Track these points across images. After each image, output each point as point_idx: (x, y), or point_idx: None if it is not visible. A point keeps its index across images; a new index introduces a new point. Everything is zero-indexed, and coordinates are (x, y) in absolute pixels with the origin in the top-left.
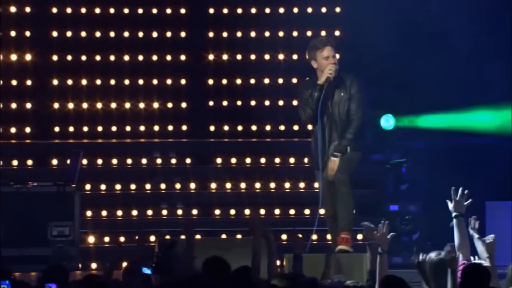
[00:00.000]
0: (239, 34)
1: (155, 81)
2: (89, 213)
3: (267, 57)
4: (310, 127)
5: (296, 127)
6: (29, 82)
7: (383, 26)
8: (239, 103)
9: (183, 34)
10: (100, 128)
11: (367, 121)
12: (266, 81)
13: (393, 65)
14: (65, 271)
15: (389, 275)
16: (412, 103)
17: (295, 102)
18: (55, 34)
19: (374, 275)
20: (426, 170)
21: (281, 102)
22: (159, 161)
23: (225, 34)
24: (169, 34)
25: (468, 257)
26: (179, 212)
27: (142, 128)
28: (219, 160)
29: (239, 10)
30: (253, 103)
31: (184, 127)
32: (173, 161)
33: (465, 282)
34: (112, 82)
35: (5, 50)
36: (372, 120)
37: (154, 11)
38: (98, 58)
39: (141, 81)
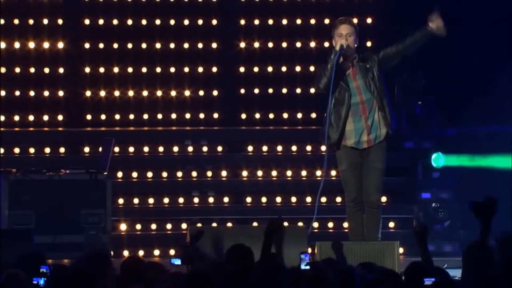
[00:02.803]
0: (270, 21)
1: (186, 69)
2: (121, 201)
3: (298, 44)
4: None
5: None
6: (61, 70)
7: (415, 13)
8: (270, 90)
9: (214, 22)
10: (132, 116)
11: (400, 108)
12: (298, 68)
13: (426, 53)
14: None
15: (414, 262)
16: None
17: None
18: (87, 22)
19: None
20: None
21: (312, 90)
22: (190, 149)
23: (256, 22)
24: (200, 22)
25: None
26: (211, 200)
27: (173, 116)
28: (250, 148)
29: None
30: (284, 90)
31: (216, 115)
32: (205, 149)
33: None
34: (144, 70)
35: (37, 38)
36: (405, 107)
37: None
38: (130, 46)
39: (172, 69)
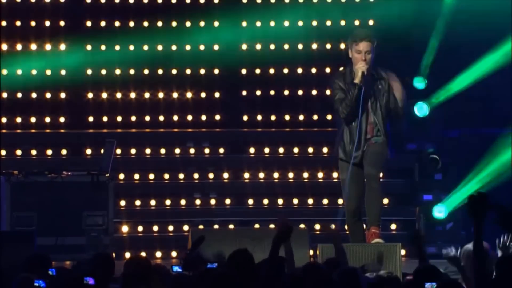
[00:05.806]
0: (272, 23)
1: (188, 71)
2: (122, 203)
3: (300, 46)
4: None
5: (329, 117)
6: (63, 72)
7: (416, 15)
8: (272, 92)
9: (216, 23)
10: (133, 118)
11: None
12: (299, 70)
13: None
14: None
15: (424, 265)
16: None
17: (328, 92)
18: (89, 24)
19: None
20: (459, 159)
21: (314, 92)
22: (192, 150)
23: (258, 24)
24: (202, 23)
25: None
26: (212, 201)
27: (175, 117)
28: (252, 150)
29: (273, 0)
30: (286, 92)
31: (217, 117)
32: (206, 150)
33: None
34: (146, 71)
35: (40, 40)
36: (407, 109)
37: (188, 1)
38: (131, 48)
39: (174, 71)
